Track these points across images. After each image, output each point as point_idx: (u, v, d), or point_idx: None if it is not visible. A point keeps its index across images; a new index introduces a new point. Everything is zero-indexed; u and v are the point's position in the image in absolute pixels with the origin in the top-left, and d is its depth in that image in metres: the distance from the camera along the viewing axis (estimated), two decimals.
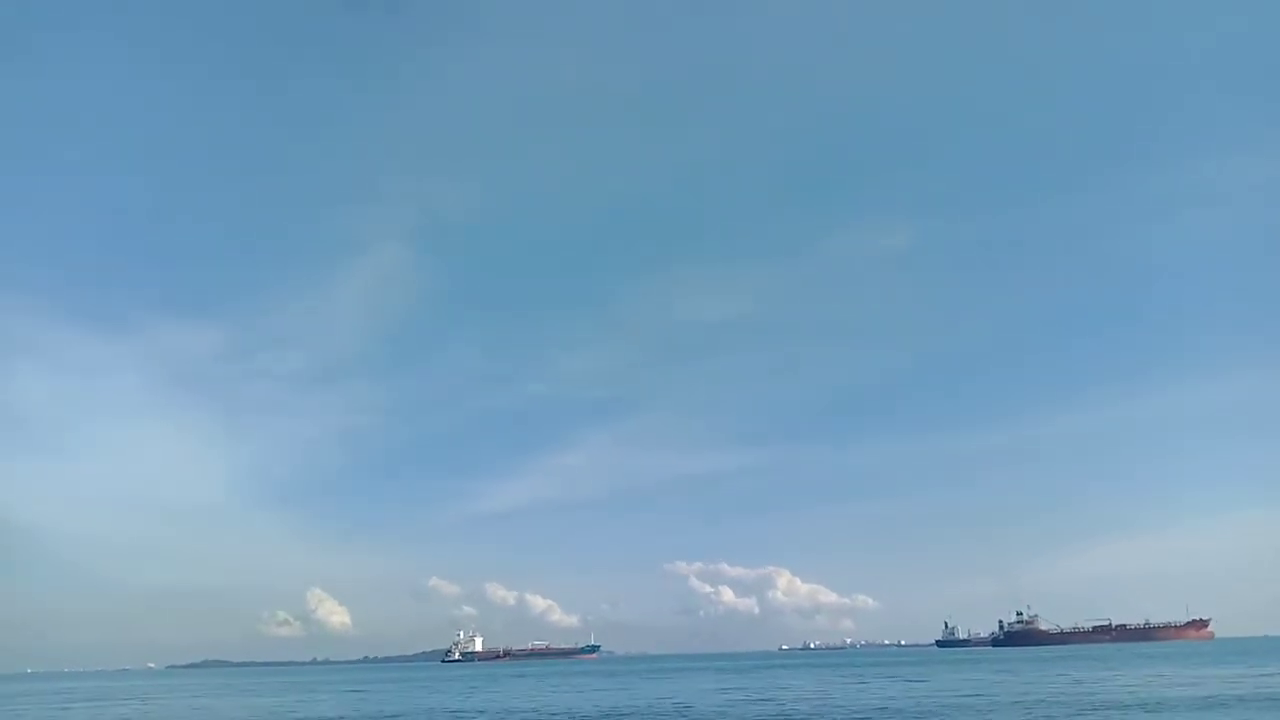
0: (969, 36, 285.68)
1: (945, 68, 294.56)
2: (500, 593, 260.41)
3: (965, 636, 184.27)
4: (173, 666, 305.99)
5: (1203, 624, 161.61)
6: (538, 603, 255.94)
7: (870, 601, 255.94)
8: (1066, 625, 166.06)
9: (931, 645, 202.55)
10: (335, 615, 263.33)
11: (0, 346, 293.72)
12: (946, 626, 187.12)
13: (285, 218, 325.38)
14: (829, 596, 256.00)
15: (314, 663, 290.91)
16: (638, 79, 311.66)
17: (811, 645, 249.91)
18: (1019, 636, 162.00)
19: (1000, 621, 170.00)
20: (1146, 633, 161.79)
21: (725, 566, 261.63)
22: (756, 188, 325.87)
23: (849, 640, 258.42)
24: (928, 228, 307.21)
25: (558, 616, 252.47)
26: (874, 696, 37.62)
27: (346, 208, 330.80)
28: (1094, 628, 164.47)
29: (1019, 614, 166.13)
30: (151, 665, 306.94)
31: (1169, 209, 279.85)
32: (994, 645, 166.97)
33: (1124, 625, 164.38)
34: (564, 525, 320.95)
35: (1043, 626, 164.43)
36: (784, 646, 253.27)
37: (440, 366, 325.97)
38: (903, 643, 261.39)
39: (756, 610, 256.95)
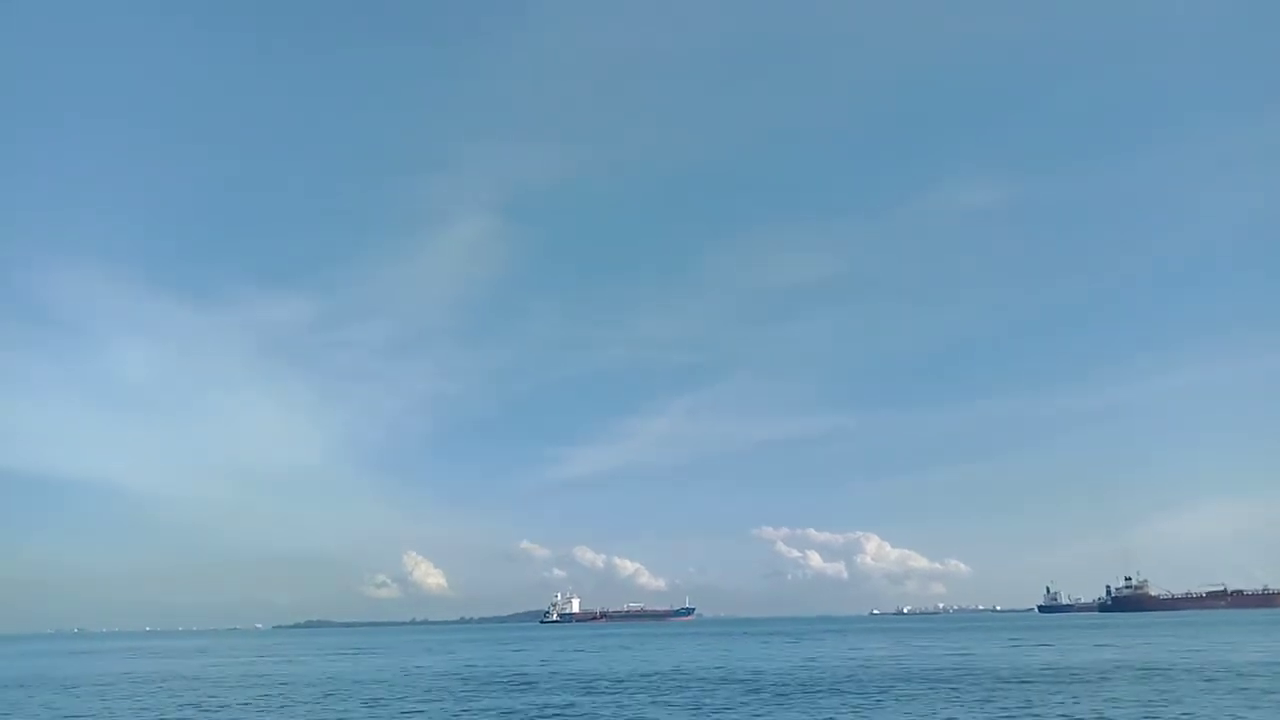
0: None
1: (1036, 22, 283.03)
2: (589, 556, 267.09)
3: (1068, 602, 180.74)
4: (279, 627, 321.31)
5: None
6: (626, 566, 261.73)
7: (963, 567, 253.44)
8: (1178, 591, 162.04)
9: (1030, 610, 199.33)
10: (431, 577, 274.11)
11: (104, 320, 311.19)
12: (1049, 592, 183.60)
13: (372, 188, 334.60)
14: (919, 561, 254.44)
15: (413, 623, 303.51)
16: (719, 39, 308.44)
17: (904, 610, 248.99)
18: (1127, 602, 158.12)
19: (1107, 587, 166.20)
20: (1266, 599, 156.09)
21: (813, 531, 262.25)
22: (842, 146, 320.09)
23: (941, 605, 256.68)
24: (1019, 185, 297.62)
25: (646, 579, 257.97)
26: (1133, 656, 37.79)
27: (431, 176, 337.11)
28: (1208, 593, 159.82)
29: (1127, 579, 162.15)
30: (259, 626, 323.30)
31: (1271, 161, 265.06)
32: (1100, 611, 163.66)
33: (1240, 591, 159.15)
34: (651, 490, 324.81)
35: (1153, 592, 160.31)
36: (875, 611, 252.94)
37: (526, 333, 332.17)
38: (998, 608, 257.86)
39: (845, 575, 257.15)
